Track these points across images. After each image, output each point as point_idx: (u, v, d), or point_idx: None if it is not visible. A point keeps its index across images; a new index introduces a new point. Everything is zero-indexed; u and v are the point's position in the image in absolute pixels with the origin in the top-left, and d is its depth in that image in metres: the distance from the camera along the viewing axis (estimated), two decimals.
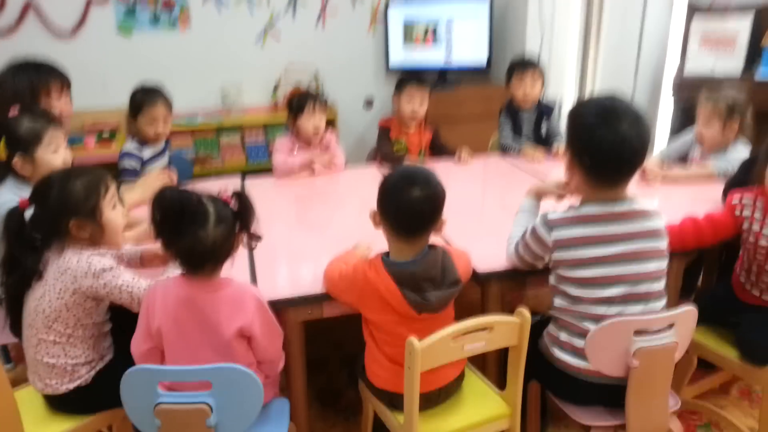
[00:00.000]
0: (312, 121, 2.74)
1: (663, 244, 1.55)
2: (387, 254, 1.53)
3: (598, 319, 1.50)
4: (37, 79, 2.16)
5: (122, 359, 1.61)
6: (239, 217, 1.44)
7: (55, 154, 1.86)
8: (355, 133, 4.51)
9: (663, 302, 1.56)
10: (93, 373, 1.59)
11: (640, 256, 1.51)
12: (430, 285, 1.46)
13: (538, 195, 1.84)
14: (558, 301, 1.59)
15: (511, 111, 3.09)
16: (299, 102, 2.76)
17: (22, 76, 2.14)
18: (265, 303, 1.49)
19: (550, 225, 1.54)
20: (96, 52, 3.93)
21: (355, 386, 1.79)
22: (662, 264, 1.55)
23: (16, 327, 1.59)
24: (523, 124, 3.08)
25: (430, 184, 1.47)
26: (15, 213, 1.52)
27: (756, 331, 1.75)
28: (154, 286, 1.49)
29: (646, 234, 1.52)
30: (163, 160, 2.68)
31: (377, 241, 1.87)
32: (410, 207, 1.45)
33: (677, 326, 1.46)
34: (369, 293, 1.47)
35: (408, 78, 2.94)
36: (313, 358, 1.73)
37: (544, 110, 3.06)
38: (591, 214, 1.52)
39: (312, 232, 2.24)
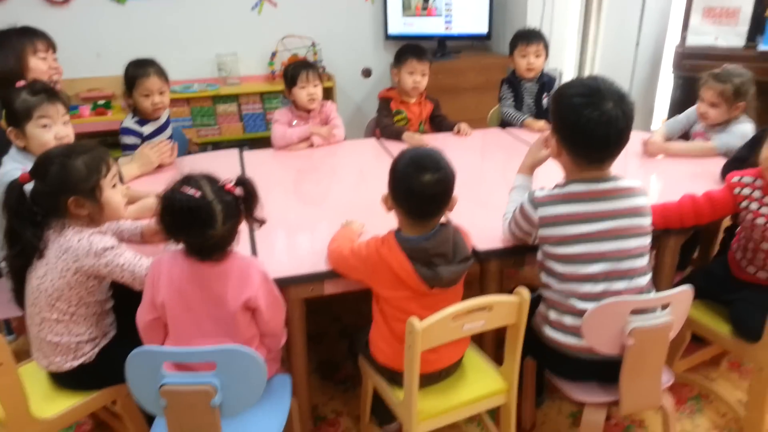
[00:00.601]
0: (306, 89, 2.71)
1: (646, 221, 1.58)
2: (398, 230, 1.54)
3: (584, 297, 1.53)
4: (19, 39, 2.16)
5: (125, 336, 1.65)
6: (244, 203, 1.46)
7: (44, 128, 1.85)
8: (353, 102, 4.48)
9: (647, 278, 1.59)
10: (97, 350, 1.62)
11: (623, 233, 1.54)
12: (441, 260, 1.48)
13: (530, 169, 1.86)
14: (545, 278, 1.62)
15: (513, 82, 3.07)
16: (293, 71, 2.73)
17: (5, 44, 2.13)
18: (268, 275, 1.51)
19: (536, 202, 1.57)
20: (90, 21, 3.86)
21: (355, 361, 1.82)
22: (645, 241, 1.58)
23: (21, 300, 1.60)
24: (525, 96, 3.06)
25: (441, 167, 1.48)
26: (15, 186, 1.52)
27: (749, 308, 1.78)
28: (159, 258, 1.50)
29: (630, 211, 1.55)
30: (165, 134, 2.65)
31: (374, 216, 1.89)
32: (422, 192, 1.46)
33: (673, 306, 1.49)
34: (382, 269, 1.49)
35: (408, 50, 2.89)
36: (312, 331, 1.76)
37: (546, 82, 3.04)
38: (576, 192, 1.55)
39: (312, 206, 2.24)
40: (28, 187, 1.54)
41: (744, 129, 2.37)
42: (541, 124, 2.89)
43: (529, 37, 2.96)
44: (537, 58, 2.95)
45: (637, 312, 1.47)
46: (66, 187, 1.51)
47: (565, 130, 1.53)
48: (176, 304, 1.45)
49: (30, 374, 1.64)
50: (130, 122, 2.57)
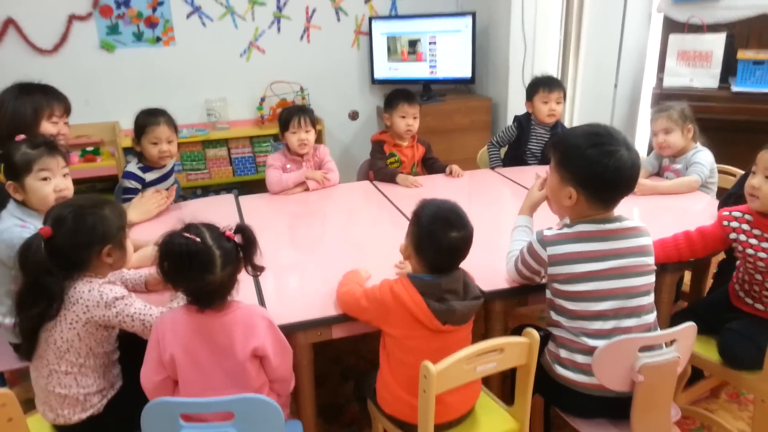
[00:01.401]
0: (297, 135, 2.76)
1: (651, 259, 1.64)
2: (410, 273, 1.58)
3: (594, 334, 1.57)
4: (39, 102, 2.15)
5: (132, 387, 1.63)
6: (243, 250, 1.48)
7: (43, 182, 1.82)
8: (341, 144, 4.55)
9: (654, 315, 1.64)
10: (105, 401, 1.59)
11: (630, 270, 1.59)
12: (453, 296, 1.51)
13: (530, 210, 1.91)
14: (555, 317, 1.65)
15: (524, 123, 3.13)
16: (286, 116, 2.79)
17: (26, 99, 2.13)
18: (273, 322, 1.52)
19: (545, 241, 1.62)
20: (79, 68, 3.91)
21: (363, 404, 1.82)
22: (651, 279, 1.63)
23: (30, 354, 1.57)
24: (531, 139, 3.12)
25: (465, 223, 1.53)
26: (37, 242, 1.49)
27: (736, 336, 1.83)
28: (162, 316, 1.50)
29: (636, 250, 1.60)
30: (167, 183, 2.66)
31: (375, 258, 1.94)
32: (450, 248, 1.51)
33: (678, 342, 1.53)
34: (395, 308, 1.51)
35: (399, 95, 2.97)
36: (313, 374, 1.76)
37: (560, 130, 3.09)
38: (584, 231, 1.60)
39: (313, 250, 2.26)
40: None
41: (705, 155, 2.59)
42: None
43: (551, 84, 3.04)
44: (558, 105, 3.04)
45: (645, 349, 1.51)
46: (102, 237, 1.53)
47: (582, 178, 1.57)
48: (183, 360, 1.44)
49: (35, 428, 1.60)
50: (133, 167, 2.59)
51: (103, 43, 3.91)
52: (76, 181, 2.99)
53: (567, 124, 4.19)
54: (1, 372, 2.40)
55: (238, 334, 1.45)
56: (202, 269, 1.40)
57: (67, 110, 2.24)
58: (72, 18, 3.81)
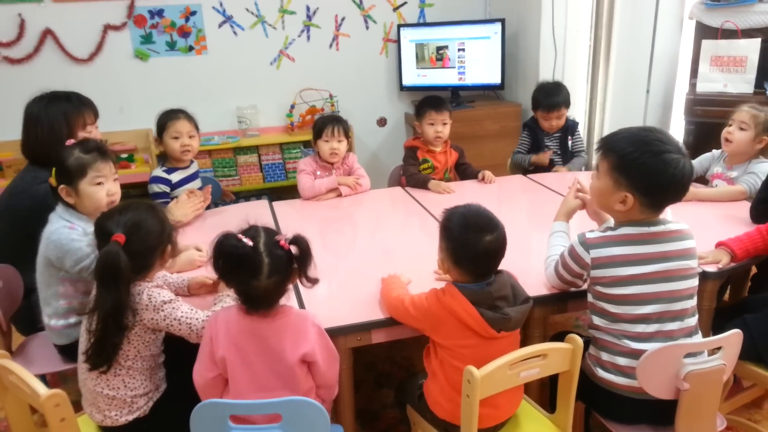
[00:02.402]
0: (330, 144, 2.80)
1: (694, 263, 1.62)
2: (456, 281, 1.57)
3: (636, 337, 1.56)
4: (71, 110, 2.21)
5: (177, 389, 1.66)
6: (298, 261, 1.49)
7: (97, 186, 1.87)
8: (369, 150, 4.58)
9: (695, 318, 1.62)
10: (151, 404, 1.62)
11: (674, 274, 1.57)
12: (504, 303, 1.51)
13: (566, 216, 1.91)
14: (597, 320, 1.64)
15: (534, 128, 3.18)
16: (321, 124, 2.83)
17: (54, 108, 2.18)
18: (323, 329, 1.54)
19: (588, 244, 1.61)
20: (113, 77, 4.00)
21: (402, 410, 1.82)
22: (694, 282, 1.62)
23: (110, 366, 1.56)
24: (544, 140, 3.16)
25: (496, 224, 1.53)
26: (115, 251, 1.48)
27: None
28: (215, 315, 1.53)
29: (680, 253, 1.59)
30: (194, 184, 2.71)
31: (411, 262, 1.97)
32: (487, 253, 1.51)
33: (725, 349, 1.51)
34: (446, 318, 1.51)
35: (426, 102, 3.00)
36: None
37: (570, 126, 3.16)
38: (628, 234, 1.59)
39: (345, 256, 2.27)
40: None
41: (766, 167, 2.46)
42: (547, 157, 3.03)
43: (550, 104, 3.05)
44: (558, 120, 3.09)
45: (689, 355, 1.49)
46: (167, 236, 1.61)
47: (643, 185, 1.55)
48: (235, 359, 1.47)
49: (83, 429, 1.63)
50: (158, 171, 2.67)
51: (137, 52, 4.00)
52: None
53: (597, 130, 4.17)
54: (43, 374, 2.46)
55: (288, 339, 1.47)
56: (249, 274, 1.42)
57: (96, 115, 2.29)
58: (107, 28, 3.90)
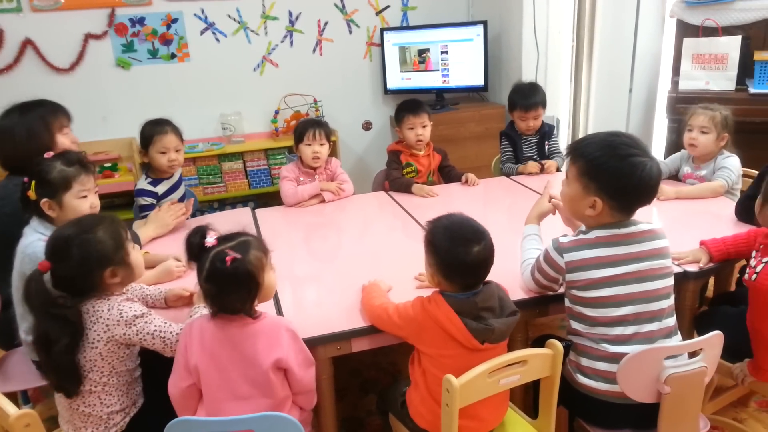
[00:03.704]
0: (312, 147, 2.78)
1: (668, 262, 1.62)
2: (442, 291, 1.55)
3: (615, 340, 1.55)
4: (47, 114, 2.16)
5: (154, 404, 1.63)
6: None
7: (82, 199, 1.86)
8: (355, 155, 4.56)
9: (674, 318, 1.62)
10: (127, 419, 1.60)
11: (648, 274, 1.57)
12: (490, 314, 1.49)
13: (537, 219, 1.92)
14: (575, 324, 1.63)
15: (512, 136, 3.17)
16: (302, 128, 2.81)
17: (30, 115, 2.14)
18: (297, 334, 1.53)
19: (562, 248, 1.61)
20: (95, 86, 3.96)
21: (385, 418, 1.80)
22: (669, 281, 1.61)
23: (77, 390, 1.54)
24: (524, 147, 3.15)
25: (482, 233, 1.51)
26: (36, 278, 1.48)
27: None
28: (189, 324, 1.51)
29: (653, 253, 1.59)
30: (179, 192, 2.68)
31: (393, 269, 1.94)
32: (475, 263, 1.48)
33: (705, 351, 1.50)
34: (430, 327, 1.49)
35: (403, 107, 2.98)
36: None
37: (547, 131, 3.14)
38: (600, 236, 1.59)
39: (329, 262, 2.26)
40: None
41: (734, 161, 2.53)
42: (533, 166, 3.01)
43: (527, 105, 3.03)
44: (535, 120, 3.07)
45: (669, 357, 1.48)
46: (101, 261, 1.52)
47: (611, 189, 1.55)
48: (209, 367, 1.46)
49: None
50: (144, 184, 2.62)
51: (118, 61, 3.96)
52: None
53: (582, 131, 4.17)
54: (25, 390, 2.42)
55: (261, 344, 1.46)
56: (239, 292, 1.44)
57: (69, 118, 2.24)
58: (88, 37, 3.86)
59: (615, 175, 1.53)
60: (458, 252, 1.48)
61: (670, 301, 1.61)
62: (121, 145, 4.00)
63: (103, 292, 1.55)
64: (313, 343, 1.62)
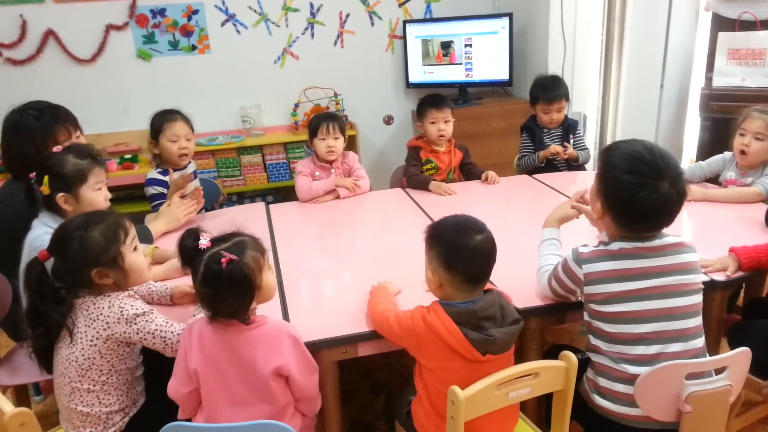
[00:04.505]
0: (326, 141, 2.74)
1: (696, 278, 1.51)
2: (442, 300, 1.48)
3: (636, 360, 1.45)
4: (66, 118, 2.14)
5: (155, 404, 1.60)
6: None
7: (98, 191, 1.87)
8: (375, 149, 4.50)
9: (702, 339, 1.50)
10: (127, 419, 1.57)
11: (673, 289, 1.46)
12: (491, 323, 1.42)
13: (558, 222, 1.83)
14: (594, 341, 1.54)
15: (533, 128, 3.08)
16: (315, 122, 2.77)
17: (44, 120, 2.09)
18: (299, 339, 1.48)
19: (581, 258, 1.53)
20: (116, 77, 3.97)
21: (391, 425, 1.75)
22: (696, 299, 1.50)
23: (50, 369, 1.57)
24: (545, 140, 3.05)
25: (483, 226, 1.46)
26: (35, 264, 1.50)
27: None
28: (188, 327, 1.47)
29: (679, 267, 1.48)
30: (194, 184, 2.65)
31: (405, 269, 1.87)
32: (479, 253, 1.42)
33: (731, 368, 1.40)
34: (429, 339, 1.42)
35: (426, 101, 2.91)
36: (341, 388, 1.70)
37: (570, 125, 3.05)
38: (621, 248, 1.49)
39: (342, 261, 2.20)
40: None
41: None
42: (555, 148, 2.92)
43: (550, 97, 2.94)
44: (559, 113, 2.98)
45: (692, 376, 1.39)
46: (87, 260, 1.49)
47: (614, 204, 1.48)
48: (208, 372, 1.42)
49: None
50: (153, 173, 2.61)
51: (139, 52, 3.96)
52: (114, 189, 3.05)
53: (611, 127, 4.04)
54: (36, 381, 2.43)
55: (260, 350, 1.41)
56: (236, 295, 1.39)
57: (79, 128, 2.20)
58: (109, 28, 3.87)
59: (616, 185, 1.46)
60: (461, 243, 1.42)
61: (697, 321, 1.49)
62: (141, 137, 3.97)
63: (99, 290, 1.52)
64: (317, 347, 1.57)
